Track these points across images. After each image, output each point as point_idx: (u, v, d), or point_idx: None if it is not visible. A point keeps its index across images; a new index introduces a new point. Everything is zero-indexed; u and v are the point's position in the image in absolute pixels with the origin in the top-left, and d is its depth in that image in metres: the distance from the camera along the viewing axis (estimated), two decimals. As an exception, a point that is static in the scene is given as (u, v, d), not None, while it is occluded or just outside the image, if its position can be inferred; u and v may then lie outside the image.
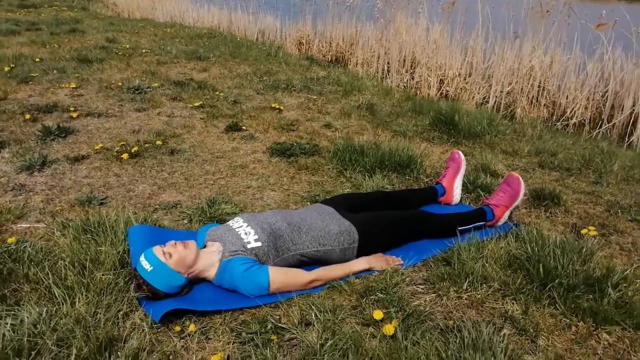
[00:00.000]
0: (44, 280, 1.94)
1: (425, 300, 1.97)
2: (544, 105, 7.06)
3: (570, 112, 6.62)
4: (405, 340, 1.68)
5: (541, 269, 2.01)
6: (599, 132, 6.06)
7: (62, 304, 1.82)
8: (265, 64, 6.19)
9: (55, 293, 1.87)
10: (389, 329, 1.75)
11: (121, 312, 1.83)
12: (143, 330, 1.76)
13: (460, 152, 2.81)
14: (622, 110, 6.32)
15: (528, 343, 1.76)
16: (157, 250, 1.96)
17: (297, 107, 4.53)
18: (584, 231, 2.46)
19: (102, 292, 1.89)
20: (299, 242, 2.12)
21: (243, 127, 3.91)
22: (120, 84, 4.94)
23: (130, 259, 2.10)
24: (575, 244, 2.18)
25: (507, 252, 2.19)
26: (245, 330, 1.81)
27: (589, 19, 6.91)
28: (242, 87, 5.10)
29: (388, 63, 8.58)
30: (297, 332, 1.77)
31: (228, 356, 1.70)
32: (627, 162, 3.40)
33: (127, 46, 6.90)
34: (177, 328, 1.81)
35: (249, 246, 2.03)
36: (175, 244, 1.99)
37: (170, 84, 5.08)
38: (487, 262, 2.11)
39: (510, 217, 2.57)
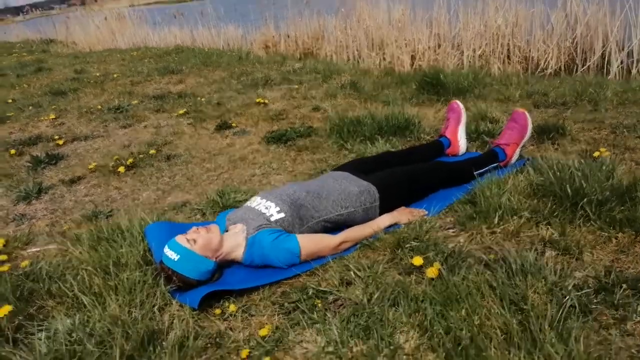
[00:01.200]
0: (68, 292, 1.86)
1: (460, 242, 1.93)
2: (517, 61, 7.12)
3: (544, 63, 6.68)
4: (452, 277, 1.65)
5: (568, 189, 1.99)
6: (575, 76, 6.11)
7: (93, 309, 1.75)
8: (239, 66, 6.13)
9: (84, 301, 1.79)
10: (432, 271, 1.71)
11: (156, 307, 1.76)
12: (183, 319, 1.69)
13: (459, 102, 2.79)
14: (594, 53, 6.39)
15: (574, 261, 1.74)
16: (181, 238, 1.90)
17: (281, 99, 4.49)
18: (596, 154, 2.45)
19: (132, 291, 1.82)
20: (321, 208, 2.07)
21: (233, 124, 3.85)
22: (99, 107, 4.84)
23: (153, 256, 2.03)
24: (594, 164, 2.17)
25: (530, 183, 2.17)
26: (287, 300, 1.75)
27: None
28: (222, 90, 5.04)
29: (357, 50, 8.59)
30: (341, 293, 1.72)
31: (276, 327, 1.64)
32: (618, 88, 3.42)
33: (98, 74, 6.79)
34: (218, 311, 1.75)
35: (272, 219, 1.98)
36: (198, 229, 1.93)
37: (150, 98, 5.00)
38: (511, 196, 2.09)
39: (521, 155, 2.55)
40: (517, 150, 2.52)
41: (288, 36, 10.00)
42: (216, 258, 1.93)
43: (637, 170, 2.28)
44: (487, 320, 1.47)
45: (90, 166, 3.32)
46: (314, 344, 1.53)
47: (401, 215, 2.12)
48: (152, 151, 3.44)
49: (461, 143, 2.75)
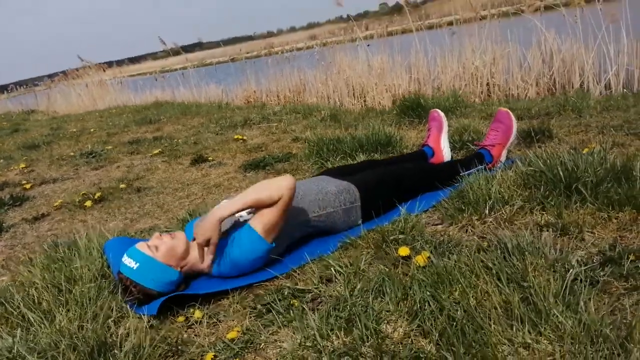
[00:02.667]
0: (14, 311, 1.64)
1: (450, 234, 1.77)
2: (497, 99, 7.20)
3: (525, 98, 6.75)
4: (443, 260, 1.47)
5: (561, 173, 1.86)
6: (556, 97, 6.15)
7: (40, 325, 1.52)
8: (218, 113, 6.08)
9: (30, 318, 1.57)
10: (420, 259, 1.54)
11: (111, 319, 1.54)
12: (142, 330, 1.47)
13: (439, 110, 2.70)
14: (572, 86, 6.48)
15: (574, 241, 1.58)
16: (141, 245, 1.71)
17: (260, 135, 4.39)
18: (585, 150, 2.34)
19: (84, 304, 1.60)
20: (297, 210, 1.90)
21: (209, 158, 3.72)
22: (72, 154, 4.70)
23: (111, 269, 1.82)
24: (585, 153, 2.05)
25: (520, 174, 2.03)
26: (260, 302, 1.55)
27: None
28: (200, 133, 4.94)
29: (339, 99, 8.68)
30: (320, 290, 1.53)
31: (247, 329, 1.43)
32: (601, 99, 3.38)
33: (74, 130, 6.69)
34: (181, 319, 1.54)
35: (241, 220, 1.81)
36: (161, 235, 1.75)
37: (125, 144, 4.88)
38: (501, 187, 1.95)
39: (508, 157, 2.44)
40: (504, 152, 2.41)
41: (270, 91, 10.11)
42: (181, 268, 1.74)
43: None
44: (484, 299, 1.29)
45: (56, 203, 3.13)
46: (289, 342, 1.32)
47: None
48: (122, 185, 3.27)
49: (445, 152, 2.63)
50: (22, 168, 4.48)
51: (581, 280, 1.31)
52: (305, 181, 2.09)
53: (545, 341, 1.14)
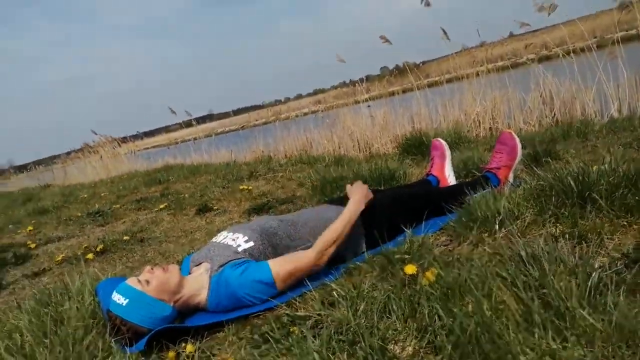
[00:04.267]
0: (-5, 358, 1.53)
1: (459, 252, 1.65)
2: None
3: (529, 146, 6.70)
4: (452, 274, 1.35)
5: (572, 183, 1.75)
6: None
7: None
8: (226, 170, 6.09)
9: (10, 363, 1.46)
10: (429, 275, 1.42)
11: (97, 359, 1.42)
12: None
13: (440, 139, 2.65)
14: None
15: (594, 247, 1.45)
16: (132, 280, 1.62)
17: (265, 185, 4.35)
18: (594, 167, 2.24)
19: (70, 346, 1.49)
20: (297, 237, 1.81)
21: (214, 208, 3.66)
22: (79, 214, 4.68)
23: (101, 309, 1.72)
24: (596, 165, 1.95)
25: (528, 190, 1.93)
26: (257, 333, 1.43)
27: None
28: (207, 188, 4.90)
29: (345, 152, 8.71)
30: (322, 315, 1.41)
31: (241, 358, 1.30)
32: (605, 123, 3.31)
33: (85, 196, 6.73)
34: (171, 354, 1.42)
35: (240, 249, 1.71)
36: (152, 268, 1.65)
37: (132, 202, 4.86)
38: (510, 203, 1.84)
39: (515, 179, 2.34)
40: (511, 174, 2.32)
41: (277, 150, 10.20)
42: (174, 302, 1.63)
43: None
44: (499, 308, 1.16)
45: (58, 258, 3.06)
46: (287, 370, 1.19)
47: (356, 190, 1.93)
48: (125, 237, 3.21)
49: (450, 179, 2.54)
50: (29, 230, 4.45)
51: (606, 284, 1.18)
52: (307, 209, 2.01)
53: (573, 347, 1.00)
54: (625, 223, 1.57)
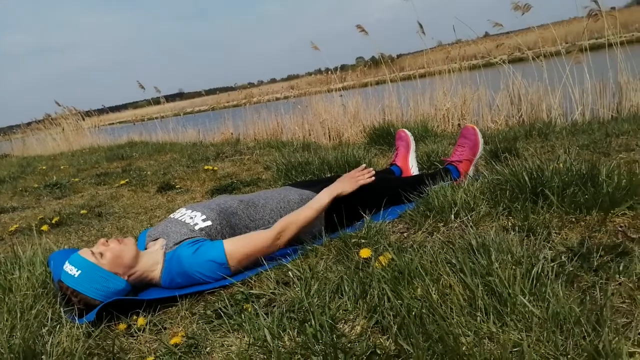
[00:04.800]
0: None
1: (414, 238, 1.69)
2: (470, 139, 7.30)
3: (491, 143, 6.86)
4: (404, 258, 1.39)
5: (527, 178, 1.82)
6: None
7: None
8: (192, 150, 6.01)
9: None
10: (382, 259, 1.45)
11: (45, 328, 1.40)
12: (76, 337, 1.34)
13: (406, 130, 2.68)
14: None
15: (541, 241, 1.51)
16: (85, 252, 1.59)
17: (231, 166, 4.32)
18: (550, 165, 2.32)
19: (18, 314, 1.46)
20: (257, 217, 1.81)
21: (177, 186, 3.62)
22: (36, 185, 4.54)
23: (52, 279, 1.68)
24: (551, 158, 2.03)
25: (485, 184, 1.98)
26: (210, 309, 1.43)
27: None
28: (171, 167, 4.83)
29: (315, 140, 8.70)
30: (275, 294, 1.42)
31: (192, 334, 1.31)
32: (566, 125, 3.42)
33: (44, 167, 6.52)
34: (122, 326, 1.41)
35: (197, 227, 1.70)
36: (107, 241, 1.63)
37: (93, 176, 4.75)
38: (467, 194, 1.89)
39: (475, 172, 2.40)
40: (471, 168, 2.38)
41: (247, 134, 10.11)
42: (128, 277, 1.61)
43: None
44: (446, 292, 1.20)
45: (11, 229, 2.97)
46: (237, 345, 1.20)
47: (343, 184, 1.88)
48: (83, 211, 3.13)
49: (413, 170, 2.59)
50: (-19, 200, 4.29)
51: (548, 274, 1.24)
52: (268, 190, 2.02)
53: (511, 331, 1.05)
54: (573, 219, 1.64)
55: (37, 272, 1.72)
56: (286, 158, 3.08)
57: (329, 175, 2.74)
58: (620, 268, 1.24)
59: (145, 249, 1.76)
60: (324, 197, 1.80)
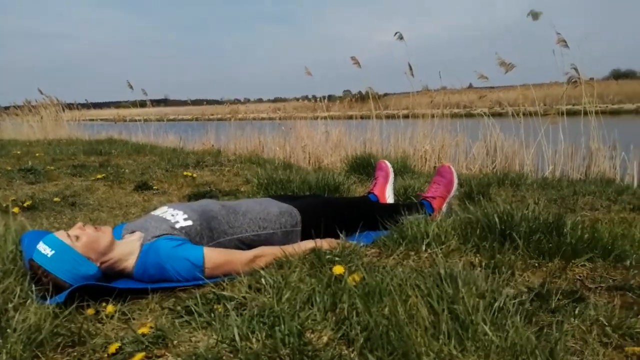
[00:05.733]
0: None
1: (386, 263, 1.75)
2: (442, 183, 7.48)
3: (466, 185, 7.05)
4: (375, 277, 1.44)
5: (497, 219, 1.91)
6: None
7: None
8: (172, 155, 5.99)
9: None
10: (354, 278, 1.50)
11: (11, 304, 1.39)
12: (43, 316, 1.34)
13: (387, 161, 2.77)
14: (511, 177, 6.84)
15: (505, 280, 1.59)
16: (61, 233, 1.60)
17: (210, 175, 4.33)
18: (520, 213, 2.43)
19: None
20: (236, 225, 1.85)
21: (154, 187, 3.61)
22: (9, 168, 4.45)
23: (23, 257, 1.68)
24: (521, 205, 2.13)
25: (457, 222, 2.07)
26: (181, 305, 1.45)
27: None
28: (149, 168, 4.82)
29: (295, 163, 8.77)
30: (246, 298, 1.46)
31: (161, 326, 1.32)
32: (537, 180, 3.58)
33: (19, 152, 6.39)
34: (91, 311, 1.42)
35: (177, 225, 1.73)
36: (84, 225, 1.64)
37: (68, 167, 4.69)
38: (439, 228, 1.97)
39: (449, 209, 2.49)
40: (444, 205, 2.47)
41: (228, 148, 10.12)
42: (101, 263, 1.62)
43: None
44: (413, 312, 1.26)
45: (-21, 207, 2.91)
46: (205, 342, 1.23)
47: (326, 243, 1.92)
48: (56, 199, 3.10)
49: (389, 201, 2.66)
50: (-51, 175, 4.19)
51: (509, 309, 1.31)
52: (250, 200, 2.06)
53: (471, 355, 1.11)
54: (536, 264, 1.73)
55: (8, 249, 1.71)
56: (268, 173, 3.12)
57: (307, 194, 2.79)
58: (576, 312, 1.33)
59: (122, 238, 1.77)
60: (309, 245, 1.82)
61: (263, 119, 12.80)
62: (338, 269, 1.56)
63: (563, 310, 1.35)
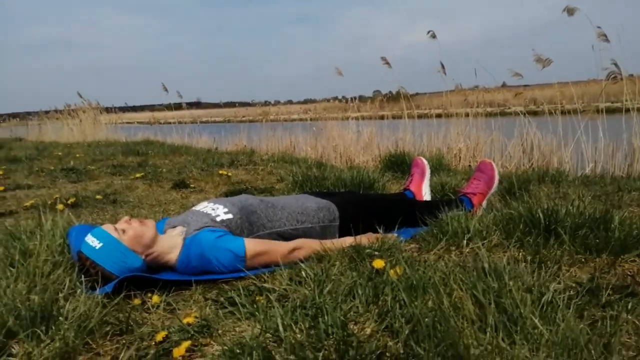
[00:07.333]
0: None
1: (426, 259, 1.73)
2: (479, 182, 7.35)
3: (506, 182, 6.90)
4: (418, 271, 1.43)
5: (541, 214, 1.86)
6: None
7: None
8: (207, 155, 6.09)
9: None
10: (396, 271, 1.49)
11: (62, 294, 1.44)
12: (92, 305, 1.37)
13: (422, 157, 2.74)
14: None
15: (551, 275, 1.54)
16: (108, 226, 1.64)
17: (245, 174, 4.38)
18: (564, 208, 2.36)
19: (36, 278, 1.50)
20: (275, 219, 1.86)
21: (191, 185, 3.68)
22: (52, 168, 4.61)
23: (71, 251, 1.73)
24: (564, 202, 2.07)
25: (499, 217, 2.03)
26: (224, 296, 1.47)
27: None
28: (185, 168, 4.90)
29: (325, 162, 8.78)
30: (288, 291, 1.46)
31: (206, 316, 1.34)
32: (579, 176, 3.47)
33: (60, 153, 6.62)
34: (137, 301, 1.45)
35: (218, 219, 1.75)
36: (130, 219, 1.68)
37: (108, 167, 4.82)
38: (480, 224, 1.94)
39: (489, 206, 2.45)
40: (484, 202, 2.42)
41: (260, 148, 10.22)
42: (146, 256, 1.66)
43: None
44: (458, 305, 1.24)
45: (26, 204, 3.02)
46: (250, 332, 1.24)
47: (365, 238, 1.91)
48: (98, 196, 3.19)
49: (426, 197, 2.63)
50: (-2, 175, 4.37)
51: (558, 303, 1.27)
52: (287, 196, 2.07)
53: (520, 349, 1.08)
54: (583, 259, 1.68)
55: (57, 241, 1.76)
56: (303, 170, 3.13)
57: (343, 190, 2.79)
58: (629, 307, 1.28)
59: (164, 233, 1.80)
60: (348, 241, 1.81)
61: (294, 120, 12.88)
62: (378, 263, 1.55)
63: (614, 305, 1.30)
